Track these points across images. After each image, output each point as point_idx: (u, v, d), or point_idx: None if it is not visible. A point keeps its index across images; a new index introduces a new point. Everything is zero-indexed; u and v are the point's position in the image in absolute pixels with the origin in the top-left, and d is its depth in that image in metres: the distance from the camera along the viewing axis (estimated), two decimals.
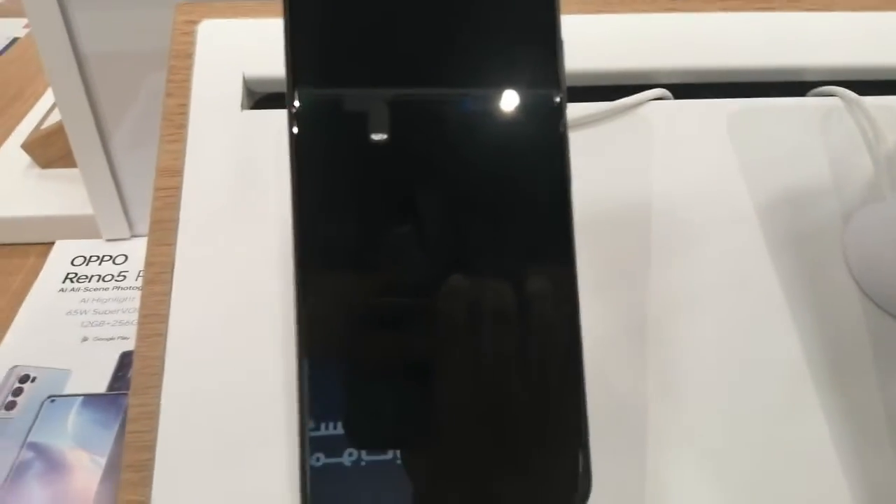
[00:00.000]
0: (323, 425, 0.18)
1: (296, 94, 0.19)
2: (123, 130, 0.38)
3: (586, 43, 0.30)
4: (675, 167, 0.28)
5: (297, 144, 0.19)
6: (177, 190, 0.27)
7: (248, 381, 0.23)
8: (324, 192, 0.19)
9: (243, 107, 0.28)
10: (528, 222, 0.19)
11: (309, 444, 0.18)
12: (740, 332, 0.25)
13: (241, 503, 0.22)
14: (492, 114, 0.19)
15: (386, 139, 0.19)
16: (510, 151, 0.19)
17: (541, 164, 0.19)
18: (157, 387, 0.23)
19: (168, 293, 0.25)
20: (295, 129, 0.19)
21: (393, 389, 0.19)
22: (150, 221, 0.26)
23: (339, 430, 0.18)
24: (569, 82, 0.31)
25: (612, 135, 0.28)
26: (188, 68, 0.29)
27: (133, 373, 0.24)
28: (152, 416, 0.23)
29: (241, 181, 0.27)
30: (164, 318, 0.24)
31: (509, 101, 0.19)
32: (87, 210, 0.41)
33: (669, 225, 0.27)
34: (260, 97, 0.30)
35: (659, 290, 0.26)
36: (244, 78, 0.29)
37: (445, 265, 0.19)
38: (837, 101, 0.30)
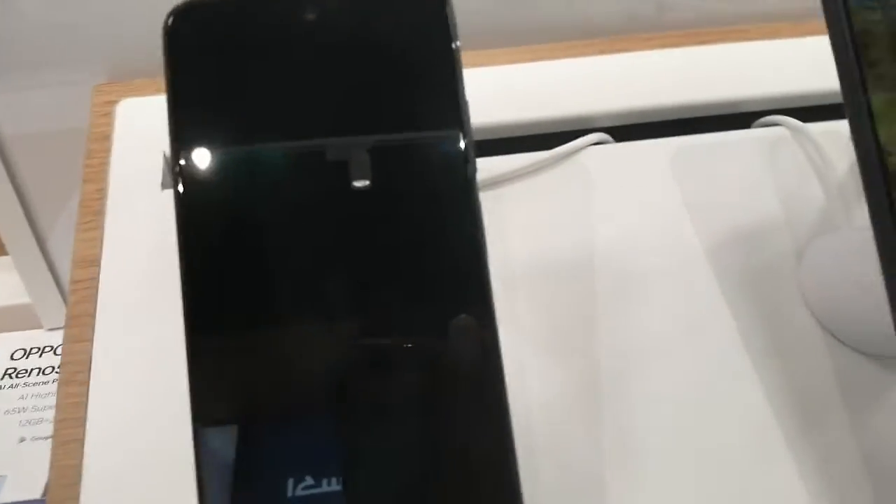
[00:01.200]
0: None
1: (179, 154, 0.18)
2: (52, 213, 0.36)
3: (520, 92, 0.30)
4: (620, 213, 0.27)
5: (181, 204, 0.17)
6: (94, 281, 0.25)
7: (169, 491, 0.21)
8: (211, 253, 0.18)
9: (164, 186, 0.27)
10: (441, 277, 0.18)
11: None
12: (699, 379, 0.24)
13: None
14: (393, 163, 0.18)
15: (276, 193, 0.18)
16: (414, 201, 0.18)
17: (450, 213, 0.18)
18: (74, 499, 0.21)
19: (85, 395, 0.23)
20: (180, 188, 0.17)
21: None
22: (66, 317, 0.25)
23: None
24: (504, 133, 0.30)
25: (552, 183, 0.27)
26: (106, 151, 0.28)
27: (49, 485, 0.22)
28: None
29: (162, 265, 0.25)
30: (81, 422, 0.23)
31: (414, 147, 0.18)
32: (24, 299, 0.39)
33: (618, 274, 0.26)
34: None
35: (611, 343, 0.24)
36: (165, 156, 0.28)
37: (346, 329, 0.17)
38: (783, 131, 0.29)
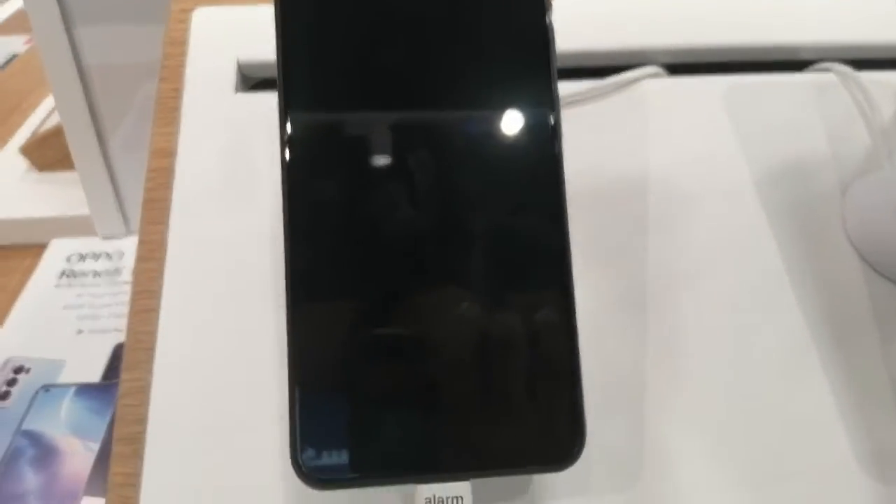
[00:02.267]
0: (317, 453, 0.18)
1: (288, 119, 0.19)
2: (120, 134, 0.38)
3: (581, 23, 0.30)
4: (671, 141, 0.28)
5: (288, 170, 0.18)
6: (169, 171, 0.26)
7: (239, 356, 0.23)
8: (315, 220, 0.19)
9: (237, 90, 0.28)
10: (525, 243, 0.19)
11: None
12: (740, 299, 0.25)
13: (231, 475, 0.21)
14: (486, 136, 0.19)
15: (378, 164, 0.19)
16: (505, 175, 0.19)
17: (536, 186, 0.19)
18: (149, 361, 0.23)
19: (160, 270, 0.24)
20: (287, 155, 0.18)
21: (389, 416, 0.18)
22: (143, 201, 0.26)
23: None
24: (563, 62, 0.31)
25: (607, 111, 0.28)
26: (182, 54, 0.29)
27: (125, 348, 0.23)
28: (144, 390, 0.22)
29: (233, 162, 0.27)
30: (155, 295, 0.24)
31: (504, 122, 0.19)
32: (83, 211, 0.41)
33: (666, 197, 0.27)
34: (254, 81, 0.30)
35: (657, 260, 0.25)
36: (238, 62, 0.29)
37: (440, 294, 0.19)
38: (833, 77, 0.30)
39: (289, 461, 0.18)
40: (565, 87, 0.28)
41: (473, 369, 0.18)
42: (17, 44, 0.74)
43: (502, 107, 0.19)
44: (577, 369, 0.19)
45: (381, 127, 0.19)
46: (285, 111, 0.19)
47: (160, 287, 0.24)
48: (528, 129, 0.19)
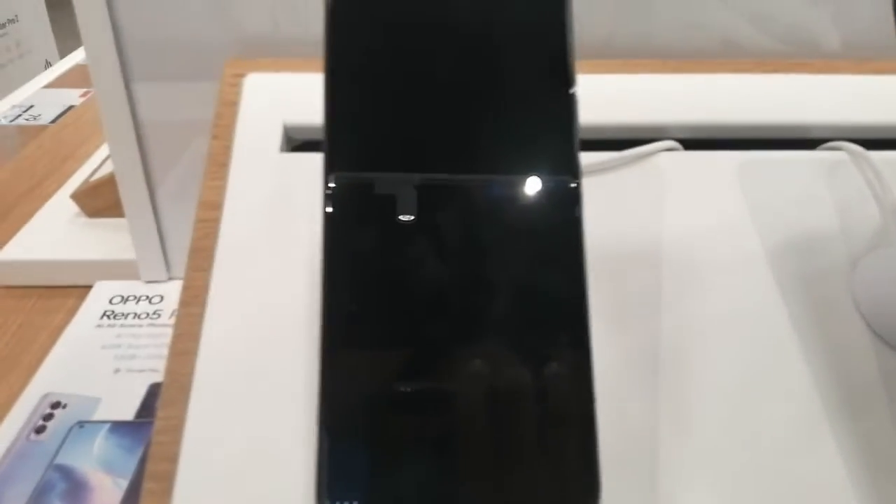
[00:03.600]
0: (341, 496, 0.19)
1: (331, 177, 0.20)
2: (168, 185, 0.41)
3: (602, 99, 0.33)
4: (686, 212, 0.29)
5: (329, 223, 0.20)
6: (216, 222, 0.28)
7: (272, 400, 0.24)
8: (351, 271, 0.20)
9: (282, 150, 0.31)
10: (547, 304, 0.20)
11: None
12: (752, 366, 0.26)
13: None
14: (512, 200, 0.21)
15: (412, 222, 0.20)
16: (529, 236, 0.21)
17: (558, 247, 0.21)
18: (185, 401, 0.24)
19: (201, 315, 0.26)
20: (329, 209, 0.20)
21: (411, 465, 0.19)
22: (190, 249, 0.28)
23: None
24: (585, 135, 0.33)
25: (625, 181, 0.30)
26: (233, 115, 0.32)
27: (163, 386, 0.25)
28: (178, 428, 0.24)
29: (277, 216, 0.29)
30: (195, 338, 0.26)
31: (529, 187, 0.21)
32: (127, 255, 0.43)
33: (681, 265, 0.28)
34: (297, 143, 0.32)
35: (671, 325, 0.26)
36: (284, 125, 0.31)
37: (465, 348, 0.20)
38: (844, 156, 0.31)
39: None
40: (587, 158, 0.30)
41: (494, 423, 0.19)
42: (73, 96, 0.79)
43: (528, 171, 0.21)
44: (593, 424, 0.20)
45: (413, 188, 0.21)
46: (329, 169, 0.21)
47: (200, 331, 0.26)
48: (552, 193, 0.21)
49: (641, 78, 0.34)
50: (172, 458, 0.23)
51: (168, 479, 0.23)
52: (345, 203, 0.20)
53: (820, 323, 0.27)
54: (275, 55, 0.34)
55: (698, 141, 0.32)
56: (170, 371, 0.25)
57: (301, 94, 0.32)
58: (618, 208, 0.29)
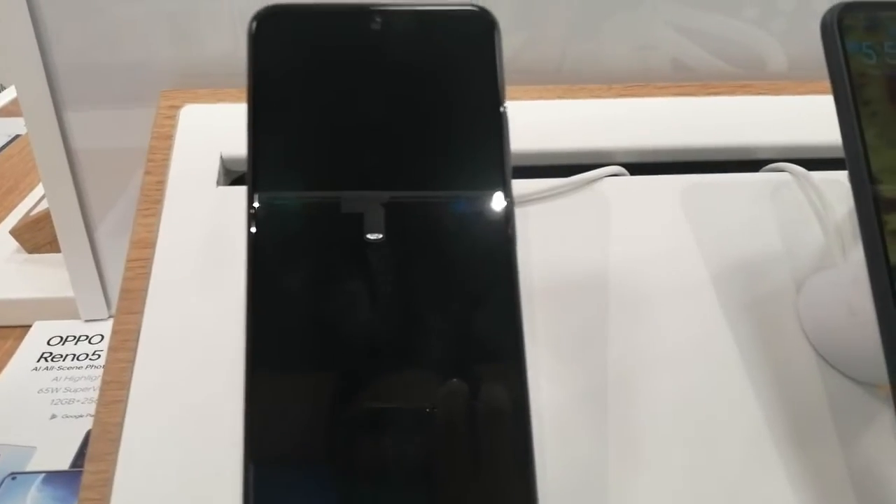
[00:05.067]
0: None
1: (255, 197, 0.20)
2: (108, 219, 0.39)
3: (546, 125, 0.32)
4: (632, 238, 0.29)
5: (252, 244, 0.20)
6: (148, 261, 0.27)
7: (204, 446, 0.23)
8: (276, 292, 0.20)
9: (219, 183, 0.30)
10: (479, 324, 0.20)
11: None
12: (699, 393, 0.25)
13: None
14: (443, 218, 0.20)
15: (335, 245, 0.20)
16: (460, 255, 0.20)
17: (491, 267, 0.20)
18: (114, 453, 0.23)
19: (132, 361, 0.25)
20: (252, 229, 0.20)
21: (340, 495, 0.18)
22: (120, 290, 0.27)
23: None
24: (530, 162, 0.32)
25: (570, 208, 0.30)
26: (168, 148, 0.31)
27: (91, 439, 0.24)
28: (107, 482, 0.23)
29: (212, 252, 0.28)
30: (125, 385, 0.24)
31: (460, 204, 0.20)
32: (67, 293, 0.41)
33: (627, 292, 0.28)
34: (236, 175, 0.31)
35: (618, 354, 0.26)
36: (221, 157, 0.30)
37: (395, 372, 0.19)
38: (787, 177, 0.31)
39: None
40: (532, 185, 0.30)
41: (425, 454, 0.19)
42: (19, 125, 0.77)
43: (458, 189, 0.21)
44: (530, 456, 0.19)
45: (339, 208, 0.20)
46: (252, 190, 0.20)
47: (130, 378, 0.25)
48: (483, 211, 0.20)
49: (586, 103, 0.34)
50: None
51: None
52: (268, 224, 0.20)
53: (767, 346, 0.27)
54: (210, 82, 0.33)
55: (644, 165, 0.32)
56: (98, 422, 0.24)
57: (239, 125, 0.31)
58: (563, 234, 0.29)
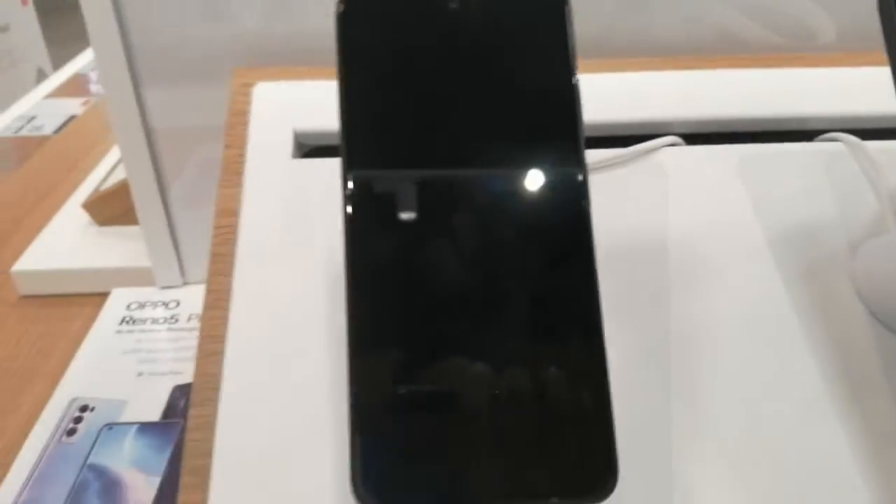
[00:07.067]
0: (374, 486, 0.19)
1: (349, 177, 0.21)
2: (180, 191, 0.41)
3: (606, 98, 0.33)
4: (689, 206, 0.30)
5: (349, 222, 0.21)
6: (233, 228, 0.29)
7: (299, 398, 0.25)
8: (373, 271, 0.21)
9: (293, 156, 0.32)
10: (559, 294, 0.21)
11: None
12: (758, 353, 0.27)
13: None
14: (521, 192, 0.22)
15: (421, 221, 0.21)
16: (539, 228, 0.22)
17: (568, 238, 0.22)
18: (215, 399, 0.25)
19: (225, 318, 0.27)
20: (349, 210, 0.21)
21: (438, 456, 0.20)
22: (210, 255, 0.29)
23: None
24: (590, 132, 0.34)
25: (629, 177, 0.31)
26: (244, 124, 0.33)
27: (193, 387, 0.26)
28: (210, 425, 0.25)
29: (292, 220, 0.30)
30: (221, 339, 0.27)
31: (538, 180, 0.22)
32: (141, 262, 0.44)
33: (686, 258, 0.29)
34: (308, 149, 0.33)
35: (679, 317, 0.27)
36: (294, 131, 0.32)
37: (484, 344, 0.21)
38: (841, 146, 0.32)
39: (349, 494, 0.20)
40: (591, 155, 0.31)
41: (516, 412, 0.20)
42: (74, 105, 0.79)
43: (535, 165, 0.22)
44: (609, 410, 0.21)
45: (424, 187, 0.22)
46: (347, 170, 0.21)
47: (225, 333, 0.27)
48: (560, 185, 0.22)
49: (641, 75, 0.35)
50: (207, 454, 0.24)
51: (204, 474, 0.24)
52: (364, 201, 0.21)
53: (822, 310, 0.28)
54: (278, 60, 0.35)
55: (699, 135, 0.33)
56: (199, 372, 0.26)
57: (309, 102, 0.33)
58: (622, 204, 0.30)
